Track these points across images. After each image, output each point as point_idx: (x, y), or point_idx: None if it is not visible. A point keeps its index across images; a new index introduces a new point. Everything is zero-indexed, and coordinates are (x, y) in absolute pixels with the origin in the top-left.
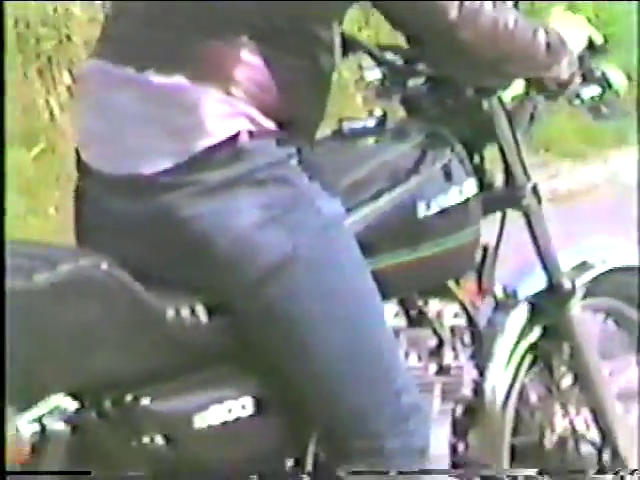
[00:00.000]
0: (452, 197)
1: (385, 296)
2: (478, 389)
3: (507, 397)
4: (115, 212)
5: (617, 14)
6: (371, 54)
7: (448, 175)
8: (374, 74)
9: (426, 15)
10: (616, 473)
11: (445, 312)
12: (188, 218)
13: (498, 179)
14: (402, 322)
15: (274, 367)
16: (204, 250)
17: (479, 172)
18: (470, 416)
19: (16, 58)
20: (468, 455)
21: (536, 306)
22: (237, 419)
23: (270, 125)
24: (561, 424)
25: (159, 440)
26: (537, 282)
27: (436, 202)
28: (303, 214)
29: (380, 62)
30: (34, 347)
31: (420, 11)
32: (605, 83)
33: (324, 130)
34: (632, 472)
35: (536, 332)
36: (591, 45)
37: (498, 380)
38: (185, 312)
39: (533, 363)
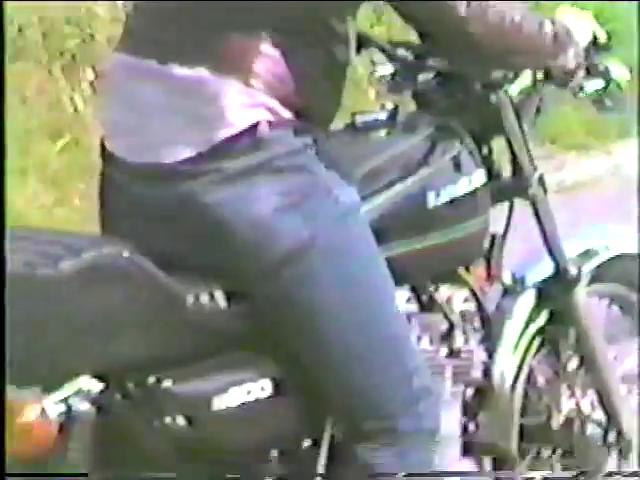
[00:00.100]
0: (461, 187)
1: (398, 282)
2: (488, 372)
3: (515, 379)
4: (138, 199)
5: (619, 11)
6: (383, 50)
7: (457, 166)
8: (386, 69)
9: (436, 11)
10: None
11: (455, 298)
12: (209, 205)
13: (506, 170)
14: (414, 307)
15: (291, 350)
16: (224, 235)
17: (487, 163)
18: (480, 397)
19: (42, 56)
20: (478, 435)
21: (543, 292)
22: (256, 401)
23: (288, 115)
24: (567, 405)
25: (180, 421)
26: (544, 269)
27: (446, 192)
28: (320, 201)
29: (392, 58)
30: (60, 331)
31: (430, 7)
32: (608, 77)
33: (338, 124)
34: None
35: (543, 317)
36: (595, 41)
37: (507, 363)
38: (204, 298)
39: (540, 347)
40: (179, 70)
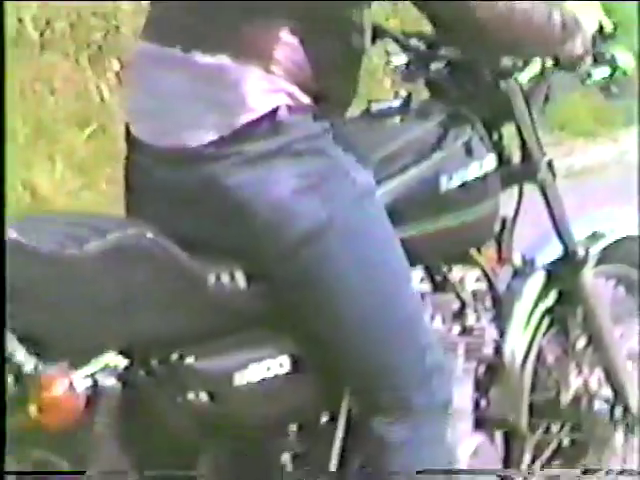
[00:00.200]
0: (472, 171)
1: (412, 263)
2: (499, 349)
3: (525, 357)
4: (162, 182)
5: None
6: (397, 40)
7: (469, 151)
8: (400, 59)
9: (448, 2)
10: None
11: (467, 278)
12: (230, 186)
13: (516, 156)
14: (428, 287)
15: (309, 328)
16: (244, 217)
17: (498, 149)
18: (491, 374)
19: (69, 47)
20: (490, 410)
21: (552, 273)
22: (275, 377)
23: (307, 101)
24: (576, 382)
25: (203, 396)
26: (553, 251)
27: (458, 176)
28: (338, 184)
29: (405, 48)
30: (87, 309)
31: None
32: (615, 64)
33: (354, 111)
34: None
35: (552, 297)
36: (601, 30)
37: (517, 341)
38: (225, 278)
39: (550, 326)
40: (202, 58)
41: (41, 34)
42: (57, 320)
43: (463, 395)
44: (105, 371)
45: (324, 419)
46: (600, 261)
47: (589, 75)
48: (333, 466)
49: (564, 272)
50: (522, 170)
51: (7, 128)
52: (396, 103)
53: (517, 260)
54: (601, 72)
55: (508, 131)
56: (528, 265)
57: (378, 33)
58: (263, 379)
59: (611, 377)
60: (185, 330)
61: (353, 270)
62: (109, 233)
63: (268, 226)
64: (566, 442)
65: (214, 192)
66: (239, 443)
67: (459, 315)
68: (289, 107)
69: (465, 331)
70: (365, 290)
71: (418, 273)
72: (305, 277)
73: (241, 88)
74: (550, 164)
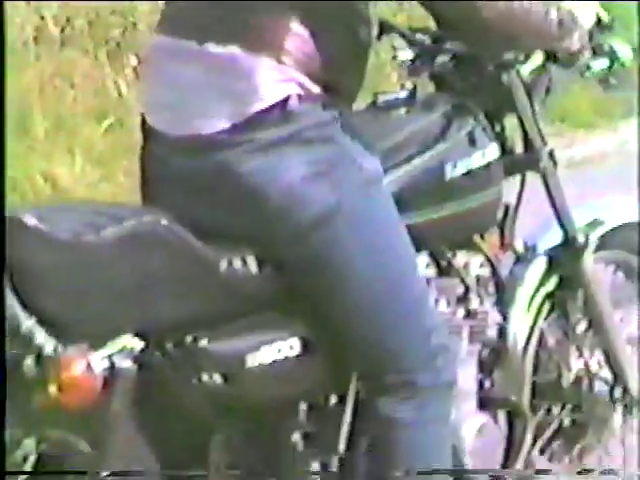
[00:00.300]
0: (476, 160)
1: (418, 248)
2: (502, 332)
3: (528, 340)
4: (177, 169)
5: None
6: (404, 36)
7: (472, 141)
8: (406, 54)
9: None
10: None
11: (471, 263)
12: (243, 173)
13: (518, 146)
14: (433, 272)
15: (318, 311)
16: (257, 202)
17: (500, 139)
18: (495, 356)
19: (88, 44)
20: (493, 391)
21: (553, 258)
22: (286, 358)
23: (317, 90)
24: (577, 364)
25: (216, 378)
26: (554, 237)
27: (461, 165)
28: (346, 170)
29: (411, 43)
30: (104, 294)
31: None
32: (613, 56)
33: (361, 104)
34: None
35: (553, 282)
36: (599, 22)
37: (519, 325)
38: (237, 263)
39: (551, 310)
40: (215, 49)
41: (61, 31)
42: (76, 304)
43: (467, 376)
44: (122, 353)
45: (333, 400)
46: (600, 247)
47: (588, 67)
48: (342, 445)
49: (565, 258)
50: (524, 159)
51: (6, 127)
52: (402, 95)
53: (519, 246)
54: (600, 64)
55: (510, 122)
56: (530, 251)
57: (385, 29)
58: (274, 361)
59: (611, 359)
60: (199, 314)
61: (360, 254)
62: (125, 220)
63: (279, 211)
64: (567, 422)
65: (227, 179)
66: (251, 423)
67: (463, 299)
68: (299, 96)
69: (469, 314)
70: (372, 275)
71: (424, 258)
72: (314, 261)
73: (253, 78)
74: (551, 153)
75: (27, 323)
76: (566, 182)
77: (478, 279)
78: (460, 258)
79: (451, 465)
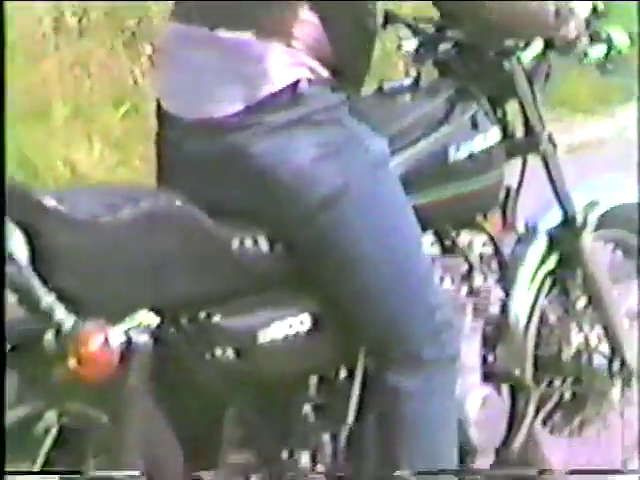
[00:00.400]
0: (478, 144)
1: (423, 228)
2: (505, 308)
3: (529, 317)
4: (190, 152)
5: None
6: (408, 25)
7: (475, 125)
8: (411, 44)
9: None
10: None
11: (475, 242)
12: (253, 155)
13: (519, 131)
14: (437, 251)
15: (327, 289)
16: (267, 183)
17: (502, 123)
18: (498, 332)
19: (104, 34)
20: (497, 365)
21: (553, 238)
22: (296, 334)
23: (326, 74)
24: (577, 339)
25: (229, 353)
26: (554, 217)
27: (464, 148)
28: (353, 152)
29: (416, 32)
30: (121, 272)
31: None
32: (610, 43)
33: (367, 90)
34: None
35: (553, 260)
36: (595, 10)
37: (521, 302)
38: (248, 242)
39: (552, 288)
40: (227, 35)
41: (79, 22)
42: (94, 281)
43: (471, 351)
44: (138, 328)
45: (342, 374)
46: (599, 226)
47: (586, 54)
48: (351, 417)
49: (564, 237)
50: (525, 142)
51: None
52: (407, 82)
53: (521, 227)
54: (597, 51)
55: (512, 108)
56: (531, 231)
57: (390, 19)
58: (285, 336)
59: (609, 334)
60: (212, 291)
61: (367, 235)
62: (141, 202)
63: (289, 192)
64: (567, 395)
65: (238, 160)
66: (263, 396)
67: (467, 277)
68: (309, 80)
69: (473, 292)
70: (379, 256)
71: (429, 238)
72: (322, 242)
73: (264, 62)
74: (550, 137)
75: (47, 299)
76: (566, 165)
77: (481, 257)
78: (464, 237)
79: (456, 437)
